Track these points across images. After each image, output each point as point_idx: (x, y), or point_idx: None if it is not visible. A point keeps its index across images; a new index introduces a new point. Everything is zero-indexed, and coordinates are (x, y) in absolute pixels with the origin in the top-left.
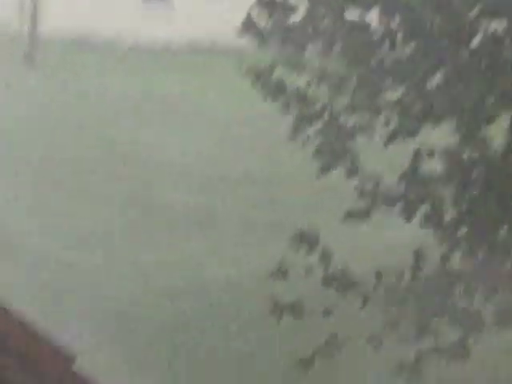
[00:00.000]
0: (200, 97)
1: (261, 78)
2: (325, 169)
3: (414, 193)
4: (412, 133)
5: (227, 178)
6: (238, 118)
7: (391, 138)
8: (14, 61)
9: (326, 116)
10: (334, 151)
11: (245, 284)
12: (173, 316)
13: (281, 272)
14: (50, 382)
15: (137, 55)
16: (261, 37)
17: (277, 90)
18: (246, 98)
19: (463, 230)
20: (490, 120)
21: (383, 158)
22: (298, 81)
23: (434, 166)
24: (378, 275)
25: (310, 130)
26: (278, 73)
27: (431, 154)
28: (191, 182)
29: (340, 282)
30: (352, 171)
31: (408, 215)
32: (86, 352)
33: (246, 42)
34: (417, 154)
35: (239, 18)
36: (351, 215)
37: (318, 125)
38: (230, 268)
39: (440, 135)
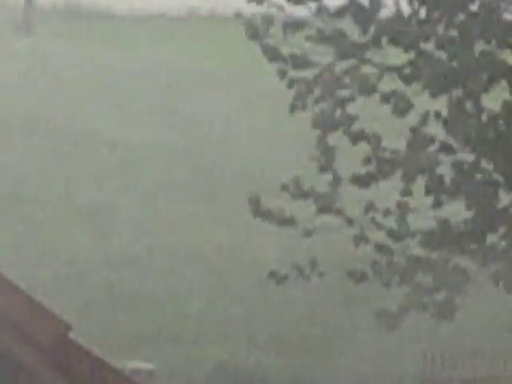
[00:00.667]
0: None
1: (258, 38)
2: (325, 134)
3: (414, 160)
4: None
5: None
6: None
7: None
8: (10, 30)
9: (326, 79)
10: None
11: None
12: None
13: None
14: (45, 350)
15: (132, 23)
16: None
17: (272, 55)
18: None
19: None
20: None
21: (383, 123)
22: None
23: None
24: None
25: (310, 98)
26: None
27: (438, 116)
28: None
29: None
30: (356, 136)
31: (408, 181)
32: None
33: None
34: (424, 118)
35: None
36: (357, 180)
37: (318, 91)
38: None
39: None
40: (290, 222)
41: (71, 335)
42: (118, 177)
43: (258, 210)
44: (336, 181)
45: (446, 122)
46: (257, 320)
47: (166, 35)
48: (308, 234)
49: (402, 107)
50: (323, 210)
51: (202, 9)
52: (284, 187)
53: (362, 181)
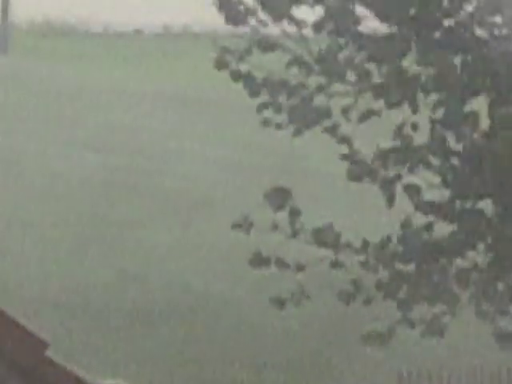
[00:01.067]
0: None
1: (230, 65)
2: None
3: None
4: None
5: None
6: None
7: (365, 116)
8: None
9: (298, 97)
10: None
11: None
12: None
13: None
14: (21, 368)
15: (109, 40)
16: (236, 16)
17: (245, 80)
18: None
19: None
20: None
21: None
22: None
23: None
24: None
25: (280, 117)
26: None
27: (414, 127)
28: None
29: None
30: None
31: (388, 191)
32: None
33: (220, 25)
34: (400, 128)
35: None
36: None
37: (291, 103)
38: None
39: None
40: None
41: (48, 353)
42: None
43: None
44: (294, 214)
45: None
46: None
47: (134, 52)
48: (300, 268)
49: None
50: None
51: (176, 26)
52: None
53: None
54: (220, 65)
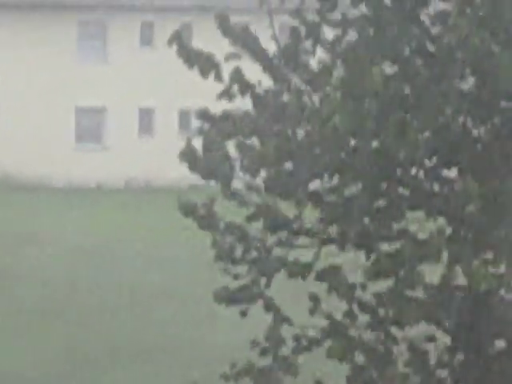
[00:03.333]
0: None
1: (193, 213)
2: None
3: None
4: None
5: None
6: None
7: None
8: None
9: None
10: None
11: None
12: None
13: None
14: None
15: (70, 194)
16: (200, 168)
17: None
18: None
19: None
20: None
21: None
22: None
23: None
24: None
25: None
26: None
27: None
28: None
29: None
30: None
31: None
32: None
33: (180, 180)
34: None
35: (173, 155)
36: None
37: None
38: None
39: None
40: None
41: None
42: None
43: None
44: None
45: None
46: None
47: (101, 205)
48: None
49: None
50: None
51: (139, 180)
52: None
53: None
54: (186, 212)
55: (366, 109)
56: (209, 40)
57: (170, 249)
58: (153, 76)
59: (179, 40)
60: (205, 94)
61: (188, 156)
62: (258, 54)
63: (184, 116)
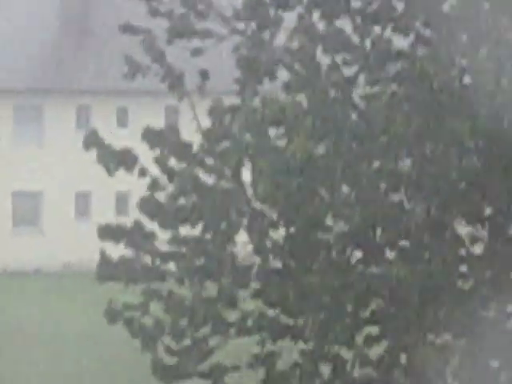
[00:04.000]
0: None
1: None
2: None
3: None
4: None
5: None
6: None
7: None
8: None
9: None
10: None
11: None
12: None
13: None
14: None
15: (5, 279)
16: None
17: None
18: None
19: None
20: None
21: None
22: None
23: None
24: None
25: None
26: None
27: None
28: None
29: None
30: None
31: None
32: None
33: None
34: None
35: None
36: None
37: None
38: None
39: None
40: None
41: None
42: None
43: None
44: None
45: None
46: None
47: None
48: None
49: None
50: None
51: (77, 263)
52: None
53: None
54: (112, 318)
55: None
56: (144, 123)
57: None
58: (89, 159)
59: (96, 141)
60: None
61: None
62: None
63: (121, 199)
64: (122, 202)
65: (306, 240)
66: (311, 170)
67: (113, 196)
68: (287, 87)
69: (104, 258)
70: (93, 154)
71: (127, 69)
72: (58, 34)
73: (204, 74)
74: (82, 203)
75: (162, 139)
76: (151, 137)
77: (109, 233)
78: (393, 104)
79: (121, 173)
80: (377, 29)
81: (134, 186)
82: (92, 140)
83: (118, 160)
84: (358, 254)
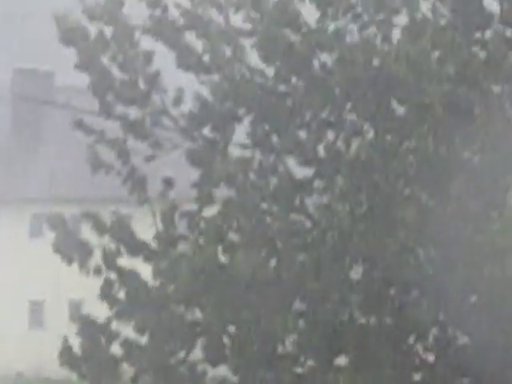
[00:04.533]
0: None
1: None
2: None
3: None
4: None
5: None
6: None
7: None
8: None
9: None
10: None
11: None
12: None
13: None
14: None
15: None
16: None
17: None
18: None
19: None
20: None
21: None
22: None
23: None
24: None
25: None
26: None
27: None
28: None
29: None
30: None
31: None
32: None
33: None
34: None
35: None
36: None
37: None
38: None
39: None
40: None
41: None
42: None
43: None
44: None
45: None
46: None
47: None
48: None
49: None
50: None
51: (30, 372)
52: None
53: None
54: None
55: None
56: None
57: None
58: (43, 268)
59: (60, 229)
60: (95, 285)
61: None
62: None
63: (74, 307)
64: (74, 310)
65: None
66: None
67: (66, 304)
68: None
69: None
70: (46, 262)
71: (91, 162)
72: (9, 140)
73: (168, 182)
74: (36, 312)
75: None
76: (100, 226)
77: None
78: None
79: (74, 280)
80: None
81: (87, 293)
82: (55, 222)
83: (78, 248)
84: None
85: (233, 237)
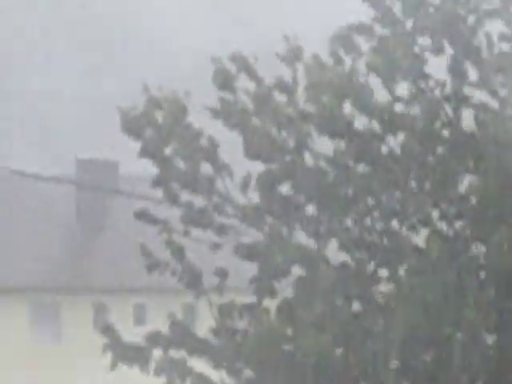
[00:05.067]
0: None
1: None
2: None
3: None
4: None
5: None
6: None
7: None
8: None
9: None
10: None
11: None
12: None
13: None
14: None
15: None
16: None
17: None
18: None
19: None
20: None
21: None
22: None
23: None
24: None
25: None
26: None
27: None
28: None
29: None
30: None
31: None
32: None
33: None
34: None
35: None
36: None
37: None
38: None
39: None
40: None
41: None
42: None
43: None
44: None
45: None
46: None
47: None
48: None
49: None
50: None
51: None
52: None
53: None
54: None
55: None
56: (162, 320)
57: None
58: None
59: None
60: None
61: None
62: None
63: None
64: None
65: None
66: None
67: None
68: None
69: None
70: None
71: (145, 263)
72: (73, 230)
73: (222, 273)
74: None
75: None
76: (158, 338)
77: None
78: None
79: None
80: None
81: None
82: (108, 336)
83: (132, 357)
84: None
85: (302, 318)
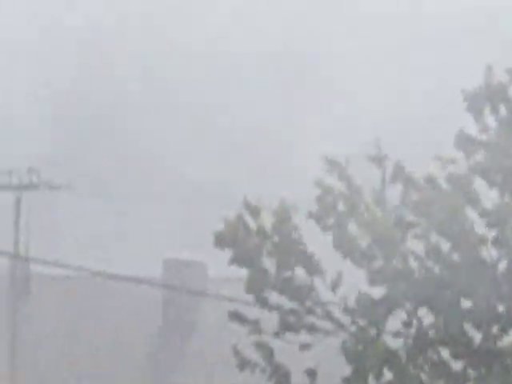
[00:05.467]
0: None
1: None
2: None
3: None
4: None
5: None
6: None
7: None
8: None
9: None
10: None
11: None
12: None
13: None
14: None
15: None
16: None
17: None
18: None
19: None
20: None
21: None
22: None
23: None
24: None
25: None
26: None
27: None
28: None
29: None
30: None
31: None
32: None
33: None
34: None
35: None
36: None
37: None
38: None
39: None
40: None
41: None
42: None
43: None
44: None
45: None
46: None
47: None
48: None
49: None
50: None
51: None
52: None
53: None
54: None
55: None
56: None
57: None
58: None
59: None
60: None
61: None
62: None
63: None
64: None
65: None
66: None
67: None
68: None
69: None
70: None
71: (236, 361)
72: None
73: (312, 374)
74: None
75: None
76: None
77: None
78: None
79: None
80: None
81: None
82: None
83: None
84: None
85: None
